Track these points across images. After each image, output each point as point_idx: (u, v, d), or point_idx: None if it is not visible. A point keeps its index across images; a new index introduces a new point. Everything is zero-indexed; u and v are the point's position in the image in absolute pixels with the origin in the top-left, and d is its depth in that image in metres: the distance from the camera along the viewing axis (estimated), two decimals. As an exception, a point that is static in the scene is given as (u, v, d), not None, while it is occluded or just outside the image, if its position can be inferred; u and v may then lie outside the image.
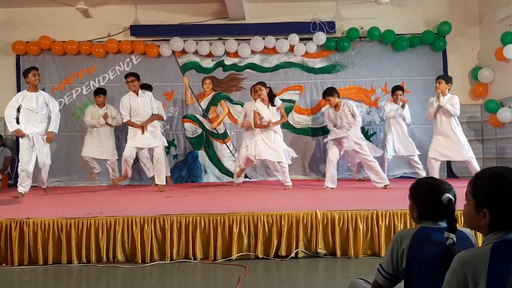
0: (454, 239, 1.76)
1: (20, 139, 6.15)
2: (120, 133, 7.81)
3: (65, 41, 8.30)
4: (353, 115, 6.23)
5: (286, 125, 8.48)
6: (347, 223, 3.87)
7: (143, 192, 6.47)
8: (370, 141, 7.93)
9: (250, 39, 8.30)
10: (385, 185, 6.05)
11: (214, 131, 8.32)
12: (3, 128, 8.42)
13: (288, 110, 8.47)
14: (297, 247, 3.83)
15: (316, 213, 3.88)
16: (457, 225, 1.83)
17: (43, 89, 7.91)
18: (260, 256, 3.82)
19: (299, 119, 8.49)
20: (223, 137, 8.46)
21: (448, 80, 6.42)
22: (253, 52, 8.40)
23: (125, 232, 3.83)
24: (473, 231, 2.33)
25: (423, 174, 7.06)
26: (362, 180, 7.46)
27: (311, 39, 8.32)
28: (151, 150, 6.75)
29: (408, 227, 3.74)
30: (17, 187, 6.14)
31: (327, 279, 3.46)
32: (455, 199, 1.87)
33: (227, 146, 8.47)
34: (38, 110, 6.11)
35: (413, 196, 1.99)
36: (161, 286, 3.37)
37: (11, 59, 8.46)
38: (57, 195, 6.08)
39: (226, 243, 3.85)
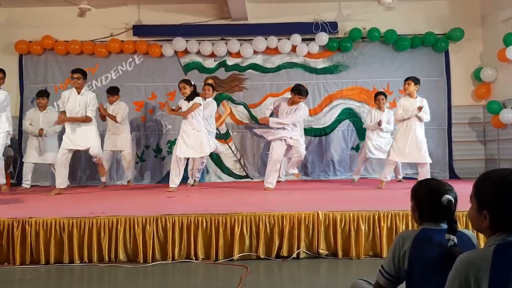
0: (455, 240, 1.76)
1: None
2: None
3: (67, 41, 8.33)
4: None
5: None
6: (349, 224, 3.86)
7: (145, 192, 6.47)
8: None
9: (252, 39, 8.30)
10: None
11: (216, 131, 8.32)
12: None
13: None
14: (298, 248, 3.83)
15: (317, 214, 3.88)
16: (459, 226, 1.82)
17: (46, 89, 7.96)
18: (262, 257, 3.82)
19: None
20: (225, 137, 8.47)
21: (417, 81, 6.21)
22: (255, 52, 8.41)
23: (127, 232, 3.84)
24: (475, 232, 2.34)
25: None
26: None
27: (313, 39, 8.32)
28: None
29: (410, 228, 3.74)
30: (19, 186, 6.14)
31: (328, 280, 3.46)
32: (455, 200, 1.87)
33: (229, 146, 8.48)
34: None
35: (414, 197, 2.00)
36: (163, 286, 3.37)
37: (14, 59, 8.49)
38: (59, 195, 6.08)
39: (228, 243, 3.85)
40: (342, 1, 8.53)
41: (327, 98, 8.49)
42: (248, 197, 5.58)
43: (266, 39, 8.29)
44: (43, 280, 3.55)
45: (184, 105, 6.41)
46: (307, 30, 8.28)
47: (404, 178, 7.53)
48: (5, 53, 8.51)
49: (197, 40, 8.35)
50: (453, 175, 8.13)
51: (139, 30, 8.45)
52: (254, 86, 8.50)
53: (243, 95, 8.45)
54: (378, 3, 8.09)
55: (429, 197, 1.91)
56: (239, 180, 8.38)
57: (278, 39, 8.32)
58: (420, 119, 6.14)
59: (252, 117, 8.41)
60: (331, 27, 8.29)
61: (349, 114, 8.43)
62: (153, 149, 8.47)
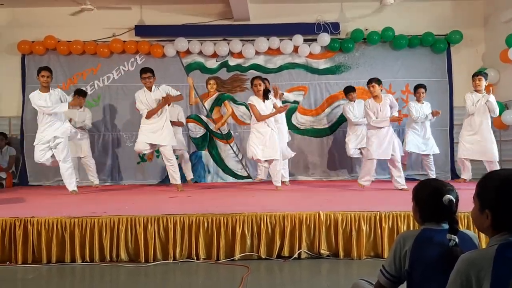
0: (456, 240, 1.76)
1: None
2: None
3: (70, 41, 8.34)
4: None
5: (289, 126, 8.49)
6: (350, 224, 3.86)
7: (147, 192, 6.48)
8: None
9: (254, 39, 8.31)
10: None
11: (218, 131, 8.34)
12: (7, 127, 8.49)
13: (292, 111, 8.49)
14: (300, 248, 3.83)
15: (319, 214, 3.88)
16: (460, 226, 1.83)
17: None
18: (263, 257, 3.82)
19: (303, 120, 8.50)
20: (227, 137, 8.48)
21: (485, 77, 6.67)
22: (257, 52, 8.41)
23: (128, 231, 3.84)
24: (477, 233, 2.34)
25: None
26: None
27: (315, 40, 8.32)
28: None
29: (411, 228, 3.74)
30: (21, 185, 6.16)
31: (330, 280, 3.46)
32: (457, 200, 1.87)
33: (231, 146, 8.48)
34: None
35: (415, 198, 2.00)
36: (164, 286, 3.38)
37: (17, 59, 8.51)
38: (62, 194, 6.09)
39: (229, 243, 3.85)
40: (344, 2, 8.52)
41: (329, 99, 8.49)
42: (249, 197, 5.59)
43: (268, 39, 8.29)
44: (45, 280, 3.56)
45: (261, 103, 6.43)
46: (309, 30, 8.29)
47: (406, 178, 7.51)
48: (7, 53, 8.53)
49: (199, 40, 8.35)
50: (454, 176, 8.11)
51: (141, 30, 8.46)
52: (256, 86, 8.48)
53: (245, 95, 8.43)
54: (380, 4, 8.08)
55: (430, 197, 1.91)
56: (240, 180, 8.38)
57: (280, 39, 8.32)
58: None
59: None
60: (333, 27, 8.30)
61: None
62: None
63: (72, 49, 8.35)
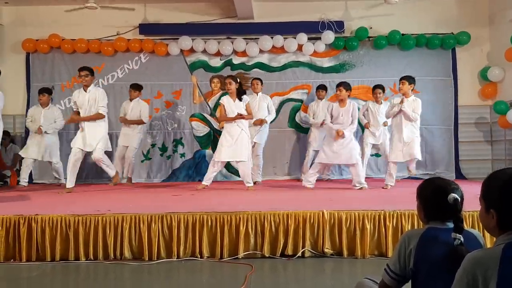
0: (461, 239, 1.75)
1: None
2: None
3: (74, 39, 8.36)
4: None
5: (293, 125, 8.49)
6: (354, 223, 3.85)
7: (151, 190, 6.49)
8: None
9: (258, 38, 8.30)
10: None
11: (222, 130, 8.32)
12: (12, 125, 8.51)
13: (296, 110, 8.48)
14: (303, 247, 3.82)
15: (323, 213, 3.87)
16: (465, 225, 1.81)
17: (52, 87, 8.01)
18: (267, 255, 3.82)
19: (306, 119, 8.47)
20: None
21: (411, 80, 6.08)
22: (261, 51, 8.40)
23: (132, 229, 3.84)
24: (482, 232, 2.33)
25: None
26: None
27: (319, 38, 8.31)
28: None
29: (416, 227, 3.72)
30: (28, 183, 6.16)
31: (334, 279, 3.46)
32: (462, 199, 1.86)
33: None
34: None
35: (420, 196, 1.99)
36: (168, 284, 3.38)
37: (21, 57, 8.54)
38: (66, 192, 6.10)
39: (233, 241, 3.85)
40: (349, 0, 8.51)
41: (333, 97, 8.46)
42: (253, 196, 5.58)
43: (272, 38, 8.29)
44: (49, 277, 3.57)
45: (231, 103, 6.42)
46: (313, 29, 8.27)
47: (409, 178, 7.51)
48: (12, 52, 8.57)
49: (203, 39, 8.35)
50: (459, 176, 8.10)
51: (146, 28, 8.47)
52: (259, 85, 8.48)
53: (248, 94, 8.42)
54: (385, 2, 8.05)
55: (435, 196, 1.90)
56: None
57: (284, 38, 8.31)
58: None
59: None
60: (337, 26, 8.28)
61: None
62: (158, 147, 8.49)
63: (76, 47, 8.37)
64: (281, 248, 3.83)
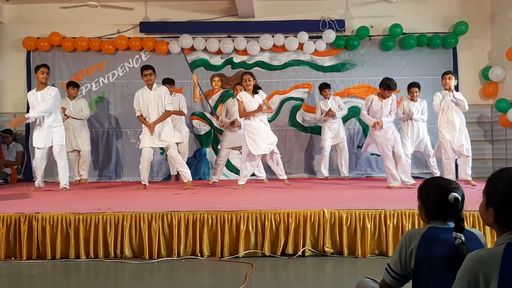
0: (463, 238, 1.76)
1: None
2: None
3: (75, 38, 8.36)
4: None
5: (294, 123, 8.49)
6: (355, 222, 3.85)
7: (151, 189, 6.49)
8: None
9: (259, 36, 8.29)
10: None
11: (222, 128, 8.32)
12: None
13: (296, 109, 8.47)
14: (304, 246, 3.83)
15: (323, 212, 3.87)
16: (466, 225, 1.82)
17: (53, 85, 8.00)
18: (267, 254, 3.82)
19: (307, 118, 8.47)
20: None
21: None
22: (262, 49, 8.40)
23: (133, 228, 3.85)
24: (483, 231, 2.33)
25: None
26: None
27: (320, 37, 8.30)
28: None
29: (416, 227, 3.72)
30: (26, 181, 6.17)
31: (334, 278, 3.45)
32: (463, 198, 1.86)
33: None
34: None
35: (421, 196, 1.99)
36: (168, 283, 3.38)
37: (22, 55, 8.54)
38: (66, 191, 6.10)
39: (233, 240, 3.85)
40: (350, -1, 8.51)
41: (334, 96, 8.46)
42: (254, 195, 5.58)
43: (273, 36, 8.28)
44: (50, 275, 3.57)
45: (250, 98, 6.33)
46: (314, 27, 8.26)
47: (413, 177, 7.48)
48: (13, 50, 8.57)
49: (203, 37, 8.35)
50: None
51: (146, 27, 8.46)
52: (261, 84, 8.42)
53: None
54: (386, 1, 8.04)
55: (436, 196, 1.90)
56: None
57: (285, 36, 8.30)
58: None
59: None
60: (338, 25, 8.27)
61: (356, 113, 8.37)
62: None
63: (77, 45, 8.37)
64: (281, 247, 3.83)
